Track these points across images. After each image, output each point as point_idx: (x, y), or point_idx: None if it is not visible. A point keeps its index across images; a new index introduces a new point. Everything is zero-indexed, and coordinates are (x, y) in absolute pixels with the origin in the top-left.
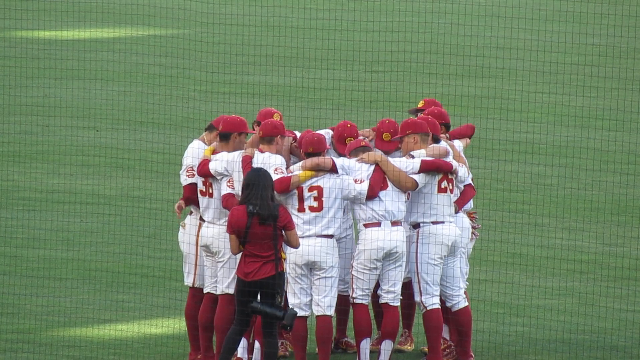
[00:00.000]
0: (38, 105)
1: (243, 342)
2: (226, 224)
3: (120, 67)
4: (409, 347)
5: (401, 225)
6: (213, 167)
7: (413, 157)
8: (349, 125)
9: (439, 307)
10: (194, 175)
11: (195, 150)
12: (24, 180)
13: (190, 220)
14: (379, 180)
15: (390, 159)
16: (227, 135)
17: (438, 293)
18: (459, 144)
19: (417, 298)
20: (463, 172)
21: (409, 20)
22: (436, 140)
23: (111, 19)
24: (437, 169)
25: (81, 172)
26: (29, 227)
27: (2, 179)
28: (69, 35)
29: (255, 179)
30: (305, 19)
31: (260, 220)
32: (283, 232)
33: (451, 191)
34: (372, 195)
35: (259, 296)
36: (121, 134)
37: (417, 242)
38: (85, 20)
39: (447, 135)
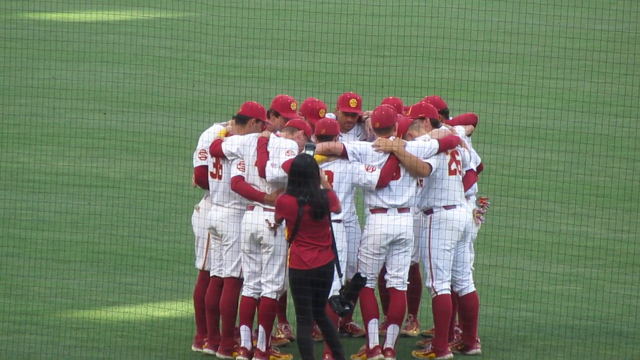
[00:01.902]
0: (45, 88)
1: (245, 334)
2: (234, 206)
3: (127, 49)
4: (415, 332)
5: (409, 211)
6: (225, 147)
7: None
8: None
9: (449, 292)
10: (205, 157)
11: (211, 135)
12: (31, 162)
13: (205, 204)
14: (391, 170)
15: (408, 143)
16: (245, 119)
17: (449, 279)
18: (460, 129)
19: (428, 283)
20: (466, 155)
21: (416, 4)
22: (436, 124)
23: (119, 1)
24: (451, 145)
25: (88, 154)
26: (36, 210)
27: (9, 161)
28: (76, 17)
29: (304, 168)
30: (313, 2)
31: (313, 211)
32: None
33: (460, 173)
34: (382, 185)
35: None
36: (128, 117)
37: (429, 227)
38: (92, 3)
39: (444, 123)
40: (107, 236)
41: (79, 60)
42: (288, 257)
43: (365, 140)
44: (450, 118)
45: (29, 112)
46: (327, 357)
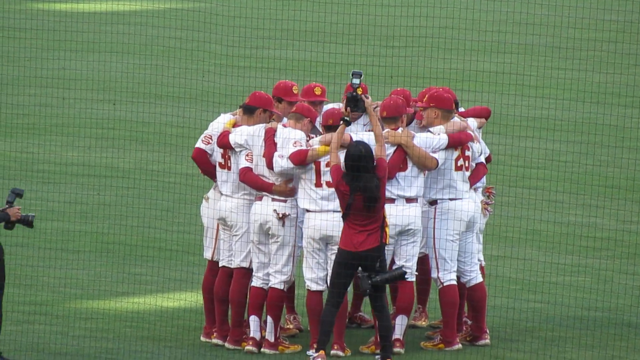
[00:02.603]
0: (55, 78)
1: (255, 323)
2: (243, 197)
3: (137, 40)
4: (424, 323)
5: (417, 201)
6: (233, 139)
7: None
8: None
9: (456, 283)
10: (209, 143)
11: (220, 125)
12: (40, 152)
13: (214, 195)
14: (398, 162)
15: (417, 134)
16: (252, 109)
17: (455, 269)
18: (473, 122)
19: (434, 274)
20: (477, 148)
21: None
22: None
23: None
24: (460, 142)
25: (98, 145)
26: (45, 200)
27: (19, 151)
28: (86, 7)
29: (357, 159)
30: None
31: (364, 200)
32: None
33: (467, 169)
34: (388, 177)
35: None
36: (138, 107)
37: (434, 218)
38: None
39: (457, 114)
40: (116, 226)
41: (89, 50)
42: (339, 237)
43: (371, 131)
44: (462, 109)
45: (38, 103)
46: (336, 347)
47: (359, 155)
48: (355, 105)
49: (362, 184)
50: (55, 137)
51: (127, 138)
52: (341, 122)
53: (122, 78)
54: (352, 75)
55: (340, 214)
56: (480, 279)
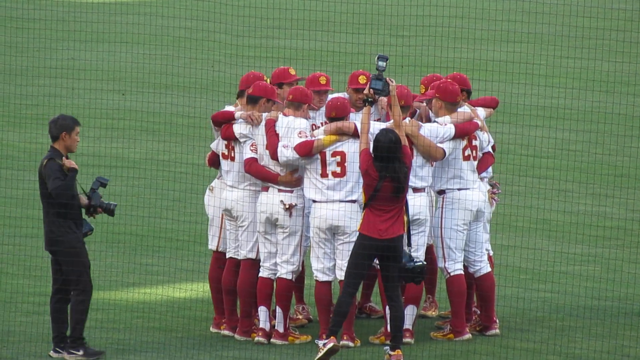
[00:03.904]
0: (64, 68)
1: (264, 314)
2: (248, 187)
3: (146, 30)
4: (434, 313)
5: (424, 191)
6: (237, 129)
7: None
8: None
9: (462, 272)
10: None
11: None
12: (49, 143)
13: (220, 184)
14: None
15: (424, 125)
16: (256, 99)
17: (462, 259)
18: (481, 111)
19: (440, 264)
20: (485, 138)
21: None
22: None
23: None
24: (467, 132)
25: (107, 135)
26: None
27: (28, 141)
28: None
29: (387, 149)
30: None
31: (393, 187)
32: None
33: (474, 158)
34: None
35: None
36: (147, 98)
37: (442, 207)
38: None
39: (466, 103)
40: (125, 217)
41: (98, 40)
42: (360, 222)
43: (378, 120)
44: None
45: (47, 93)
46: (345, 337)
47: (390, 142)
48: (382, 88)
49: (393, 172)
50: None
51: (137, 128)
52: (365, 103)
53: (132, 68)
54: (378, 59)
55: (346, 204)
56: (488, 268)
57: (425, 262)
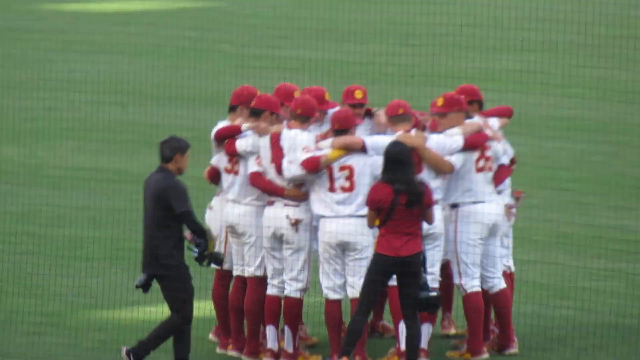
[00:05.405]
0: (63, 81)
1: (272, 333)
2: (252, 202)
3: (148, 40)
4: (454, 331)
5: (437, 204)
6: (240, 145)
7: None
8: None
9: (480, 289)
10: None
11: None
12: (49, 157)
13: (220, 202)
14: None
15: (432, 136)
16: (259, 112)
17: (478, 275)
18: (495, 122)
19: (456, 280)
20: (500, 148)
21: None
22: (467, 115)
23: None
24: (477, 144)
25: (108, 149)
26: (54, 206)
27: (27, 156)
28: (95, 8)
29: (399, 155)
30: None
31: (408, 201)
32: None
33: (489, 169)
34: None
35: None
36: (149, 110)
37: (455, 221)
38: None
39: (478, 114)
40: (128, 232)
41: (98, 52)
42: (375, 242)
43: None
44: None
45: (47, 106)
46: (357, 358)
47: (400, 150)
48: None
49: (406, 177)
50: (64, 142)
51: (138, 141)
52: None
53: (133, 80)
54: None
55: (356, 219)
56: (503, 285)
57: (439, 294)
